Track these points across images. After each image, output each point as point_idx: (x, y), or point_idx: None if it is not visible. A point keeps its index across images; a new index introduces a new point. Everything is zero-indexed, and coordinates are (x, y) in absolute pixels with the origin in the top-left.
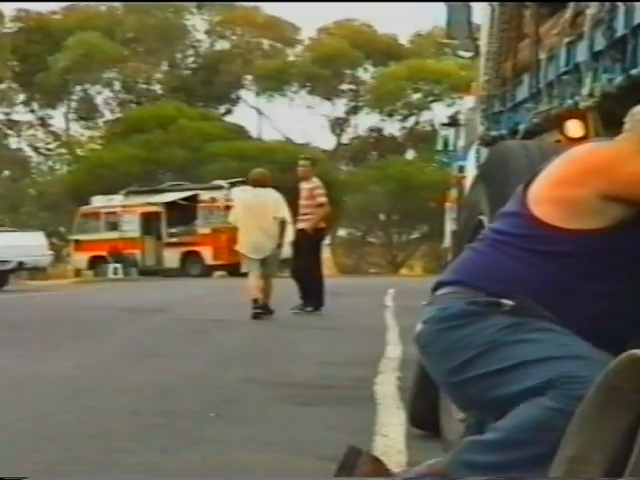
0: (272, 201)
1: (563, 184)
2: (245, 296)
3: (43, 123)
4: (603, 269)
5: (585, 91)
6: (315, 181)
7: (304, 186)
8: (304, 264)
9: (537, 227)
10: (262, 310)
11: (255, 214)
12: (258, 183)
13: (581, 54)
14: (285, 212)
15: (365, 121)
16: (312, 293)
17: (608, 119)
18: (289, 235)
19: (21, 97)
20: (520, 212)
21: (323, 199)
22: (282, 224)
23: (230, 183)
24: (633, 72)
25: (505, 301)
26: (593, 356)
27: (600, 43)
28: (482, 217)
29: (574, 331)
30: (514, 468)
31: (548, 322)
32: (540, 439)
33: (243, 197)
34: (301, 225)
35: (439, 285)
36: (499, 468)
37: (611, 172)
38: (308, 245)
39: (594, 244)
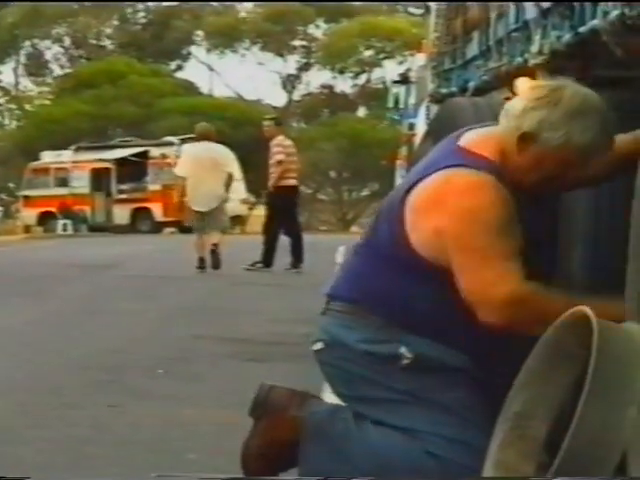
0: (220, 155)
1: (417, 213)
2: (183, 247)
3: None
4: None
5: (534, 48)
6: (277, 140)
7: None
8: (270, 223)
9: (411, 255)
10: (206, 268)
11: (203, 167)
12: (204, 137)
13: (530, 11)
14: (232, 167)
15: (317, 78)
16: (291, 250)
17: (557, 76)
18: (240, 191)
19: None
20: (397, 233)
21: (279, 157)
22: (228, 178)
23: (181, 139)
24: (581, 29)
25: (404, 351)
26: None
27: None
28: None
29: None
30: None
31: (443, 378)
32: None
33: (191, 150)
34: (269, 184)
35: (333, 296)
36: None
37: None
38: (273, 203)
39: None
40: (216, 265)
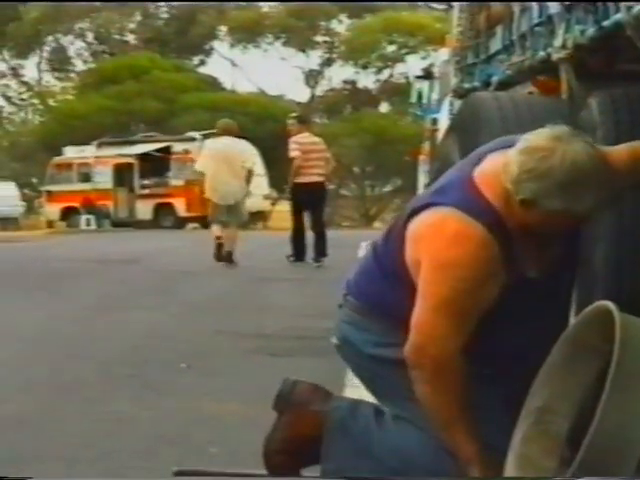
0: (240, 150)
1: (410, 240)
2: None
3: (15, 73)
4: None
5: (557, 43)
6: (295, 137)
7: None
8: (294, 219)
9: (406, 272)
10: (225, 256)
11: (223, 162)
12: (225, 132)
13: (554, 6)
14: (253, 162)
15: (339, 73)
16: (314, 245)
17: (580, 70)
18: (263, 187)
19: None
20: (397, 248)
21: (292, 154)
22: (249, 173)
23: (203, 135)
24: (605, 23)
25: None
26: None
27: None
28: None
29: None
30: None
31: None
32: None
33: (211, 146)
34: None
35: (348, 291)
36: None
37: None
38: (294, 199)
39: None
40: (221, 258)
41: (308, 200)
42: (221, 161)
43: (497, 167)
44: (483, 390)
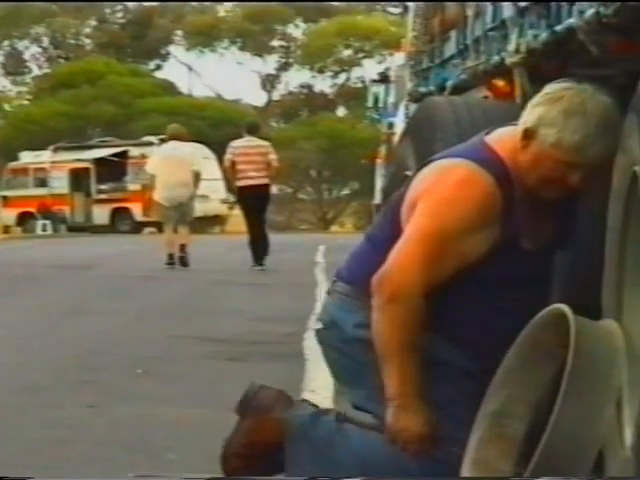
0: (188, 154)
1: (413, 184)
2: (162, 246)
3: None
4: None
5: (511, 47)
6: (233, 142)
7: None
8: (247, 222)
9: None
10: (174, 263)
11: (171, 165)
12: (174, 137)
13: (507, 10)
14: (199, 165)
15: (296, 78)
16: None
17: (534, 75)
18: (220, 191)
19: None
20: (395, 209)
21: (225, 158)
22: (196, 176)
23: (160, 139)
24: (558, 28)
25: None
26: None
27: None
28: (408, 173)
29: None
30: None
31: (432, 372)
32: None
33: (161, 150)
34: None
35: (337, 277)
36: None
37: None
38: (240, 203)
39: None
40: (184, 263)
41: (252, 203)
42: (169, 164)
43: (509, 130)
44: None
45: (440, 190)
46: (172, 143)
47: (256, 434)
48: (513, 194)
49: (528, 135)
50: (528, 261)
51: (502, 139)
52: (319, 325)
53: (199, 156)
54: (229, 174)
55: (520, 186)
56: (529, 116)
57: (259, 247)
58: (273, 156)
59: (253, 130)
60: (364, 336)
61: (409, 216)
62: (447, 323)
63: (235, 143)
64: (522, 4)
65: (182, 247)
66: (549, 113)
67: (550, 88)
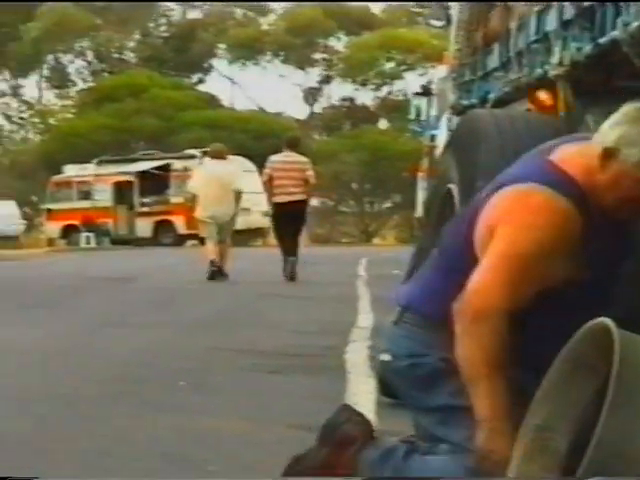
0: (229, 174)
1: (487, 210)
2: (204, 259)
3: (16, 92)
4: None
5: (554, 60)
6: (271, 156)
7: None
8: (277, 238)
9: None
10: (218, 271)
11: (212, 185)
12: (216, 156)
13: (551, 23)
14: (240, 184)
15: (338, 90)
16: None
17: (577, 87)
18: (262, 204)
19: None
20: (465, 234)
21: (264, 173)
22: (237, 194)
23: (202, 152)
24: (601, 41)
25: None
26: None
27: (569, 12)
28: (451, 185)
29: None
30: None
31: None
32: None
33: (202, 169)
34: None
35: (407, 307)
36: None
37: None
38: (273, 219)
39: None
40: (223, 276)
41: (287, 219)
42: (210, 184)
43: (576, 150)
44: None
45: (520, 216)
46: (213, 162)
47: (330, 465)
48: (590, 215)
49: (608, 155)
50: (602, 281)
51: (571, 158)
52: (387, 357)
53: (240, 172)
54: (267, 188)
55: (596, 207)
56: (608, 136)
57: (288, 262)
58: (310, 172)
59: (293, 145)
60: (436, 367)
61: (486, 243)
62: (524, 347)
63: (274, 158)
64: (565, 16)
65: (222, 261)
66: (631, 132)
67: (629, 108)
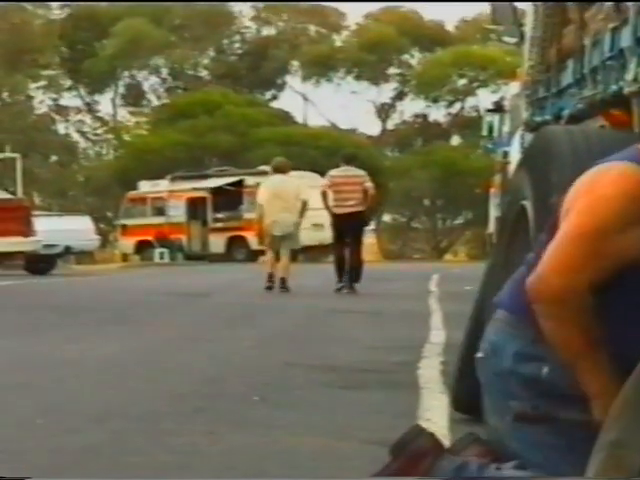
0: (293, 186)
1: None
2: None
3: (90, 109)
4: None
5: (629, 77)
6: (330, 171)
7: None
8: (334, 248)
9: None
10: (274, 284)
11: (279, 197)
12: (280, 170)
13: (625, 39)
14: (305, 195)
15: (410, 107)
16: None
17: None
18: (324, 219)
19: (69, 83)
20: (552, 223)
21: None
22: (303, 205)
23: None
24: None
25: (545, 372)
26: None
27: None
28: (525, 202)
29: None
30: None
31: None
32: None
33: (268, 182)
34: None
35: (497, 304)
36: None
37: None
38: (333, 230)
39: None
40: (285, 287)
41: (346, 230)
42: (276, 196)
43: None
44: None
45: (596, 189)
46: (277, 176)
47: (404, 477)
48: None
49: None
50: None
51: None
52: (480, 354)
53: (306, 185)
54: (324, 201)
55: None
56: None
57: (351, 271)
58: (369, 184)
59: (349, 160)
60: (515, 369)
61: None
62: (605, 323)
63: (333, 172)
64: None
65: (283, 272)
66: None
67: None
